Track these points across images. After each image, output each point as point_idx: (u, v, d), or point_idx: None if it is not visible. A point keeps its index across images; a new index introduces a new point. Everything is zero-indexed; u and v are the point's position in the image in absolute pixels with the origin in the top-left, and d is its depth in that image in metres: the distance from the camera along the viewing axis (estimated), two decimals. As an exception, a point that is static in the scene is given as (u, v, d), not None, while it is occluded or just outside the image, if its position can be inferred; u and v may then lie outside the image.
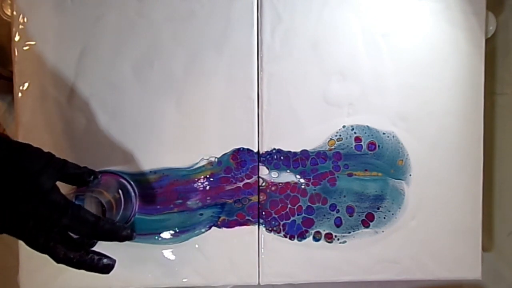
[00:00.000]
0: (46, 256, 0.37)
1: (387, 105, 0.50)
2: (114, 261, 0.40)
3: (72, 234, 0.38)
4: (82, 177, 0.41)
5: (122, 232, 0.39)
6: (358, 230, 0.50)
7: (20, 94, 0.48)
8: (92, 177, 0.42)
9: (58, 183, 0.38)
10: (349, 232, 0.50)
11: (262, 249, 0.50)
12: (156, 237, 0.49)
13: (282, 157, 0.49)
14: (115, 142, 0.49)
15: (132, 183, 0.48)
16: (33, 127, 0.48)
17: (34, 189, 0.35)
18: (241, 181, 0.49)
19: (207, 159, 0.49)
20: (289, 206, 0.49)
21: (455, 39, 0.50)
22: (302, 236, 0.50)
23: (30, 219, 0.35)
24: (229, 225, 0.49)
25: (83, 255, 0.38)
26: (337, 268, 0.50)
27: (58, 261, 0.37)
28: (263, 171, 0.49)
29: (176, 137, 0.49)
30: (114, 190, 0.45)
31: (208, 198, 0.49)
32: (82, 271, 0.38)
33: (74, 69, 0.48)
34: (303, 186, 0.50)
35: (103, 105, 0.48)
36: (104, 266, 0.39)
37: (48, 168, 0.37)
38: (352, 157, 0.50)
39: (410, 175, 0.50)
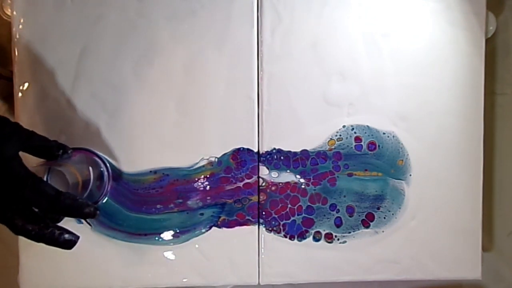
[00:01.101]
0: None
1: (387, 105, 0.50)
2: (77, 237, 0.39)
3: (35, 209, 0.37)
4: (51, 150, 0.40)
5: (85, 209, 0.39)
6: (358, 230, 0.50)
7: (20, 94, 0.48)
8: (61, 151, 0.41)
9: (28, 156, 0.37)
10: (349, 232, 0.50)
11: (262, 249, 0.50)
12: (157, 238, 0.49)
13: (282, 157, 0.49)
14: (115, 142, 0.49)
15: (107, 164, 0.47)
16: (33, 127, 0.48)
17: None
18: (241, 181, 0.49)
19: (207, 159, 0.49)
20: (289, 206, 0.49)
21: (455, 39, 0.50)
22: (302, 236, 0.50)
23: None
24: (229, 225, 0.49)
25: (42, 228, 0.37)
26: (337, 268, 0.50)
27: (16, 232, 0.36)
28: (263, 171, 0.49)
29: (176, 137, 0.49)
30: (84, 168, 0.44)
31: (208, 198, 0.49)
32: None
33: (74, 69, 0.48)
34: (303, 186, 0.50)
35: (103, 105, 0.48)
36: (65, 241, 0.38)
37: (12, 135, 0.36)
38: (352, 157, 0.50)
39: (410, 175, 0.50)
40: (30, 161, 0.39)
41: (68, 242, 0.39)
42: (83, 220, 0.48)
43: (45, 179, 0.42)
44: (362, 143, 0.50)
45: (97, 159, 0.47)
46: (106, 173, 0.47)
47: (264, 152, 0.49)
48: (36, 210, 0.38)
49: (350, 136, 0.50)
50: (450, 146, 0.50)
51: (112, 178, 0.47)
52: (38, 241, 0.37)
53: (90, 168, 0.45)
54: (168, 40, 0.49)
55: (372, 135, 0.50)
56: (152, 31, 0.48)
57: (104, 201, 0.47)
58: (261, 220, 0.49)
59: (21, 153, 0.38)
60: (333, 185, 0.50)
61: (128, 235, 0.49)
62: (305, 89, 0.49)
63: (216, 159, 0.49)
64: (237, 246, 0.49)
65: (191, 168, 0.49)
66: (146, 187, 0.49)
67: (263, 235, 0.49)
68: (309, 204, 0.50)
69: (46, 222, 0.38)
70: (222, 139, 0.49)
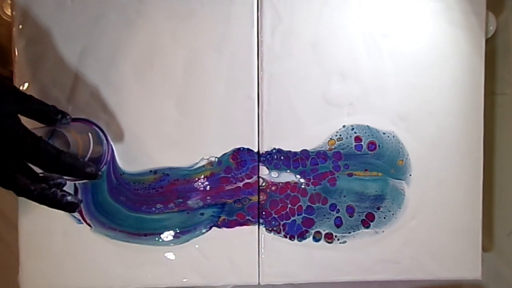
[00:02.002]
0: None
1: (387, 105, 0.50)
2: (80, 200, 0.39)
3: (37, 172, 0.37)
4: (49, 115, 0.40)
5: (86, 168, 0.38)
6: (358, 230, 0.50)
7: (20, 94, 0.48)
8: (60, 116, 0.41)
9: (27, 122, 0.37)
10: (349, 232, 0.50)
11: (262, 249, 0.50)
12: (157, 238, 0.49)
13: (282, 157, 0.49)
14: (115, 141, 0.49)
15: (106, 134, 0.47)
16: (33, 127, 0.48)
17: None
18: (241, 181, 0.49)
19: (207, 159, 0.49)
20: (289, 206, 0.49)
21: (455, 39, 0.50)
22: (302, 236, 0.50)
23: None
24: (229, 225, 0.49)
25: (44, 188, 0.37)
26: (337, 268, 0.50)
27: (19, 192, 0.36)
28: (263, 171, 0.49)
29: (176, 137, 0.49)
30: (84, 134, 0.44)
31: (208, 198, 0.49)
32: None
33: (74, 69, 0.48)
34: (303, 186, 0.50)
35: (103, 105, 0.48)
36: (68, 203, 0.38)
37: (8, 95, 0.36)
38: (352, 157, 0.50)
39: (410, 175, 0.50)
40: (29, 127, 0.39)
41: (71, 204, 0.38)
42: (82, 221, 0.48)
43: None
44: (362, 143, 0.50)
45: (96, 128, 0.47)
46: (105, 142, 0.47)
47: (264, 152, 0.49)
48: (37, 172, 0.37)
49: (350, 136, 0.50)
50: (450, 146, 0.50)
51: (110, 156, 0.47)
52: (40, 202, 0.37)
53: (90, 135, 0.44)
54: (168, 40, 0.49)
55: (372, 135, 0.50)
56: (152, 31, 0.48)
57: (103, 169, 0.47)
58: (261, 220, 0.49)
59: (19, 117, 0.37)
60: (333, 185, 0.50)
61: (128, 235, 0.49)
62: (305, 89, 0.49)
63: (216, 159, 0.49)
64: (237, 246, 0.49)
65: (191, 168, 0.49)
66: (146, 187, 0.49)
67: (263, 235, 0.49)
68: (309, 204, 0.50)
69: (49, 183, 0.37)
70: (222, 139, 0.49)
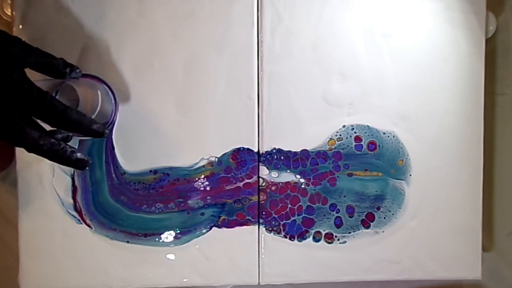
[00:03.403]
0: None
1: (387, 105, 0.50)
2: (90, 159, 0.39)
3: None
4: (58, 68, 0.39)
5: (92, 125, 0.38)
6: (359, 230, 0.50)
7: (20, 94, 0.48)
8: (69, 69, 0.39)
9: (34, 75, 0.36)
10: (349, 233, 0.50)
11: (262, 249, 0.50)
12: (157, 239, 0.49)
13: (282, 157, 0.49)
14: (115, 141, 0.49)
15: (113, 91, 0.47)
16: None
17: (1, 63, 0.33)
18: (241, 181, 0.49)
19: (207, 158, 0.49)
20: (289, 206, 0.49)
21: (455, 39, 0.50)
22: (302, 236, 0.50)
23: None
24: (229, 225, 0.49)
25: (54, 143, 0.36)
26: (337, 268, 0.50)
27: (28, 148, 0.36)
28: (263, 171, 0.49)
29: (176, 137, 0.49)
30: (93, 89, 0.43)
31: (209, 197, 0.49)
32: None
33: (74, 69, 0.48)
34: (303, 186, 0.50)
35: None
36: (77, 159, 0.38)
37: (14, 47, 0.35)
38: (352, 157, 0.50)
39: (410, 175, 0.50)
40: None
41: (80, 161, 0.38)
42: (82, 222, 0.48)
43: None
44: (362, 143, 0.50)
45: (105, 86, 0.46)
46: (113, 101, 0.46)
47: (264, 152, 0.49)
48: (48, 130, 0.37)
49: (350, 136, 0.50)
50: (450, 146, 0.50)
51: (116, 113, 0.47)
52: (50, 157, 0.37)
53: (99, 92, 0.44)
54: (168, 40, 0.48)
55: (372, 135, 0.50)
56: (152, 31, 0.48)
57: (110, 128, 0.47)
58: (261, 220, 0.49)
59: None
60: (333, 185, 0.50)
61: (129, 235, 0.49)
62: (305, 89, 0.49)
63: (216, 159, 0.49)
64: (237, 246, 0.49)
65: (191, 168, 0.49)
66: (146, 187, 0.49)
67: (263, 235, 0.49)
68: (309, 204, 0.50)
69: (57, 139, 0.37)
70: (222, 139, 0.49)
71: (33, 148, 0.36)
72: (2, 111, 0.34)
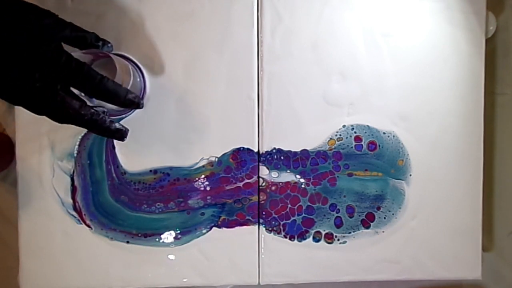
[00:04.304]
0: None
1: (388, 105, 0.50)
2: (127, 129, 0.39)
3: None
4: (90, 41, 0.40)
5: (128, 95, 0.38)
6: (359, 230, 0.50)
7: (20, 94, 0.48)
8: (101, 42, 0.41)
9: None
10: (349, 233, 0.50)
11: (262, 249, 0.50)
12: (157, 239, 0.49)
13: (282, 157, 0.49)
14: (115, 141, 0.49)
15: (142, 71, 0.47)
16: (33, 127, 0.48)
17: (38, 35, 0.34)
18: (241, 181, 0.49)
19: (207, 158, 0.49)
20: (289, 206, 0.49)
21: (455, 39, 0.50)
22: (302, 237, 0.50)
23: (35, 71, 0.34)
24: (229, 225, 0.49)
25: (94, 113, 0.37)
26: (337, 268, 0.50)
27: (69, 118, 0.36)
28: (263, 171, 0.49)
29: (176, 137, 0.49)
30: (125, 64, 0.44)
31: (209, 197, 0.49)
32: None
33: (74, 69, 0.48)
34: (303, 186, 0.50)
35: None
36: (117, 129, 0.38)
37: (50, 20, 0.36)
38: (352, 157, 0.50)
39: (410, 175, 0.50)
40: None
41: (119, 130, 0.39)
42: (82, 222, 0.48)
43: None
44: (362, 143, 0.50)
45: (133, 63, 0.47)
46: (141, 78, 0.47)
47: (264, 152, 0.49)
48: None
49: (350, 136, 0.50)
50: (450, 146, 0.50)
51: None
52: (90, 127, 0.37)
53: (130, 66, 0.44)
54: (168, 40, 0.49)
55: (372, 135, 0.50)
56: (152, 31, 0.48)
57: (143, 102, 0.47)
58: (261, 220, 0.49)
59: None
60: (333, 185, 0.50)
61: (129, 235, 0.49)
62: (305, 89, 0.49)
63: (216, 159, 0.49)
64: (237, 246, 0.49)
65: (192, 168, 0.49)
66: (146, 187, 0.49)
67: (263, 235, 0.49)
68: (309, 204, 0.50)
69: (95, 109, 0.37)
70: (222, 139, 0.49)
71: (74, 118, 0.36)
72: (43, 82, 0.35)
